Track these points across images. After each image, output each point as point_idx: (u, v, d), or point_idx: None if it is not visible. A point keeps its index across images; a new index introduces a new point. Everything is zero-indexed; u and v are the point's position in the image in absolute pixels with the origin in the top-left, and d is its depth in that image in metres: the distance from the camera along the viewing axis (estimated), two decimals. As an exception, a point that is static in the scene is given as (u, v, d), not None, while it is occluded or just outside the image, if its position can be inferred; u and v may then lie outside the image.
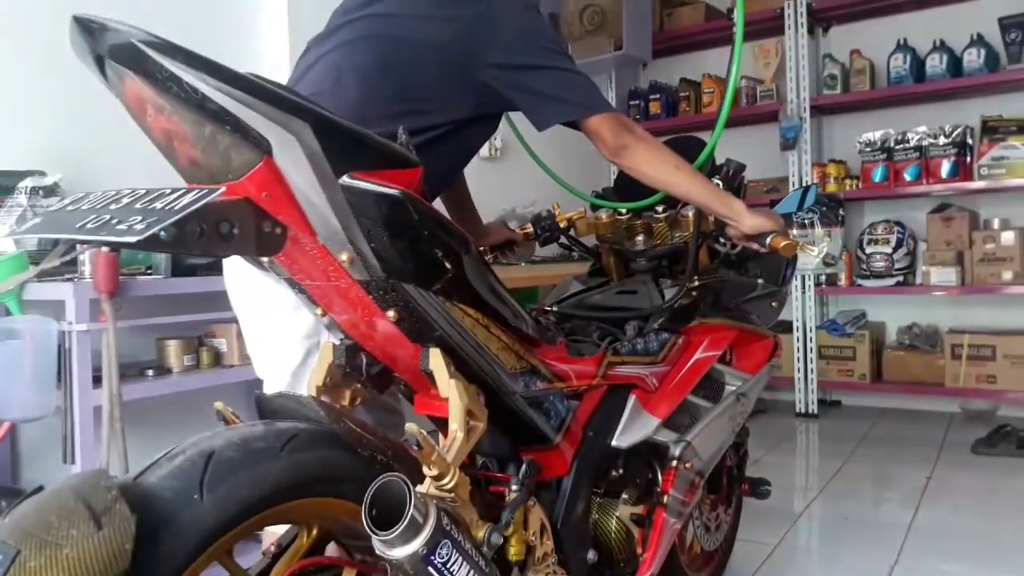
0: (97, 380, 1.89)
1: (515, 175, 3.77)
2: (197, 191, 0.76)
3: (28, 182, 2.02)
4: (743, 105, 4.39)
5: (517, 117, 1.69)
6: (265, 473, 0.85)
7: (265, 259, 0.99)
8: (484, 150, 3.76)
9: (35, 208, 2.03)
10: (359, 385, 1.16)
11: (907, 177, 3.95)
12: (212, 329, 2.24)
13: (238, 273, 1.40)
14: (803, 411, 4.14)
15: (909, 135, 3.96)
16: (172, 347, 2.14)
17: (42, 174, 2.05)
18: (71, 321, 1.84)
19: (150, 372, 2.08)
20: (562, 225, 1.88)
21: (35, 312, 1.89)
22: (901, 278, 4.02)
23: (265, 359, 1.45)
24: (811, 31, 4.30)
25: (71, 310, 1.84)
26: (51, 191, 2.04)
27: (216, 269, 2.08)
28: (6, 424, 1.89)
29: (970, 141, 3.86)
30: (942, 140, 3.87)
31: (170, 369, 2.13)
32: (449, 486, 0.95)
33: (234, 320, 2.19)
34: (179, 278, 2.07)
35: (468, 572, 0.89)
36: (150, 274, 2.08)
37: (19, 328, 1.84)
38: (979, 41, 3.86)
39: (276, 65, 2.67)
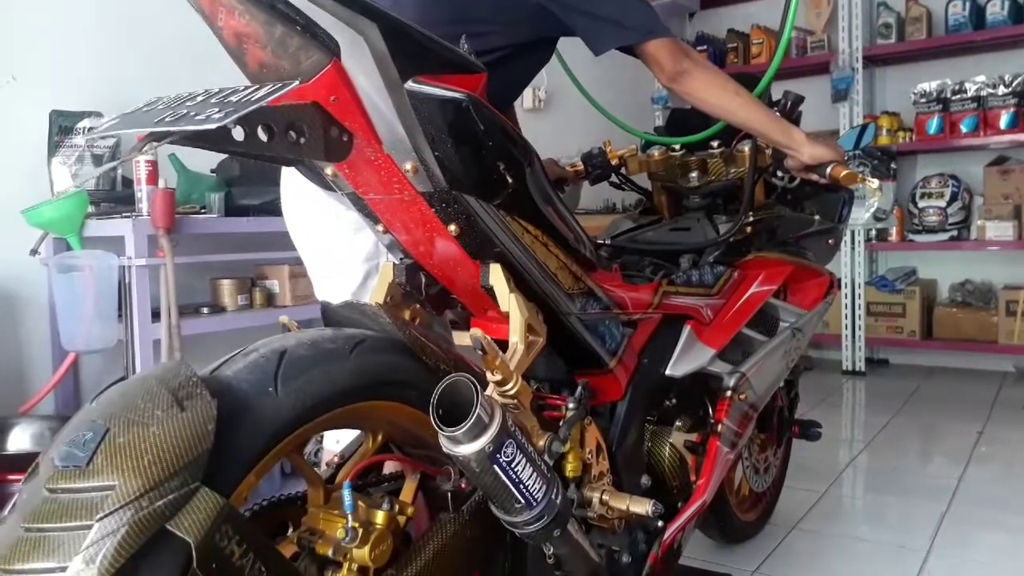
0: (155, 316, 1.94)
1: (560, 126, 3.74)
2: (272, 85, 0.76)
3: (86, 122, 2.06)
4: (793, 56, 4.28)
5: (568, 54, 1.67)
6: (335, 372, 0.87)
7: (329, 172, 1.00)
8: (528, 101, 3.73)
9: (92, 148, 2.08)
10: (418, 305, 1.17)
11: (963, 129, 3.83)
12: (264, 270, 2.28)
13: (297, 197, 1.42)
14: (850, 369, 4.08)
15: (967, 85, 3.83)
16: (226, 286, 2.18)
17: (99, 115, 2.09)
18: (131, 256, 1.88)
19: (205, 310, 2.12)
20: (613, 163, 1.86)
21: (95, 248, 1.94)
22: (955, 232, 3.91)
23: (325, 281, 1.47)
24: (865, -22, 4.17)
25: (130, 245, 1.89)
26: (108, 132, 2.08)
27: (268, 211, 2.10)
28: (71, 355, 1.95)
29: (1032, 90, 3.73)
30: (1002, 90, 3.74)
31: (224, 308, 2.17)
32: (511, 392, 0.96)
33: (286, 261, 2.23)
34: (232, 218, 2.10)
35: (532, 473, 0.90)
36: (204, 213, 2.11)
37: (81, 263, 1.89)
38: (1044, -15, 3.71)
39: None
